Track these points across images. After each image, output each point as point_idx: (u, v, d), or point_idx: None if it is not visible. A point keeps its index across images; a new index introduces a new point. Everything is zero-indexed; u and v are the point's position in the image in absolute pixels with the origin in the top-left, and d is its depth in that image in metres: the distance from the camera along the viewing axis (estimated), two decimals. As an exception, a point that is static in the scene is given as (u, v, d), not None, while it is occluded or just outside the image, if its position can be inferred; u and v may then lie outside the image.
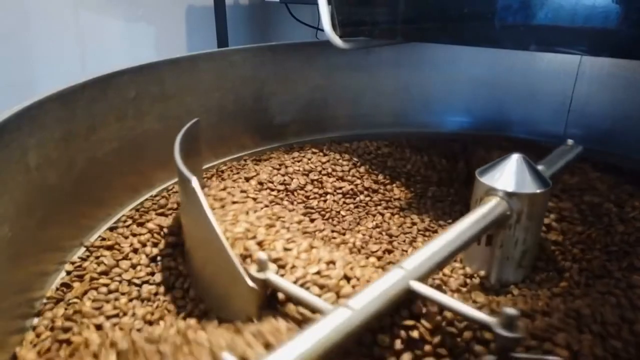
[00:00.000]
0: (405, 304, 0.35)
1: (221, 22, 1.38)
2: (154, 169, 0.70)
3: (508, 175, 0.49)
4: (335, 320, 0.31)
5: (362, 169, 0.77)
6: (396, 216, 0.69)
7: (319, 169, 0.76)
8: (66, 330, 0.42)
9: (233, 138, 0.81)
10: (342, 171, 0.76)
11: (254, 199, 0.61)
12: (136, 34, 1.35)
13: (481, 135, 0.89)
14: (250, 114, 0.82)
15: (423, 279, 0.37)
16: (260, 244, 0.45)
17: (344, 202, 0.71)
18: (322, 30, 0.71)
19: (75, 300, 0.47)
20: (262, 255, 0.37)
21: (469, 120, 0.94)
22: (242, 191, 0.63)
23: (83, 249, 0.55)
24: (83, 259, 0.53)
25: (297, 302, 0.36)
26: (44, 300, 0.47)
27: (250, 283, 0.36)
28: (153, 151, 0.68)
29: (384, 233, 0.65)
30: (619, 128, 0.80)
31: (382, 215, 0.70)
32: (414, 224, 0.67)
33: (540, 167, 0.54)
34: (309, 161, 0.77)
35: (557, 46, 0.55)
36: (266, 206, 0.60)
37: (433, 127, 0.93)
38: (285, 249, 0.44)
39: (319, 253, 0.44)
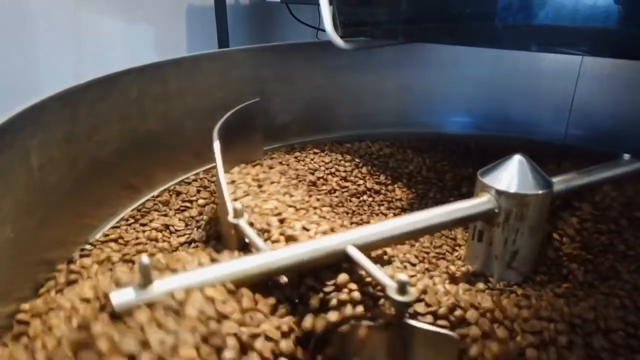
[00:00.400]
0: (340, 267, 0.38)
1: (222, 22, 1.37)
2: (157, 169, 0.70)
3: (509, 176, 0.49)
4: (255, 259, 0.36)
5: (364, 170, 0.78)
6: (398, 217, 0.70)
7: (322, 168, 0.76)
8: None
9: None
10: (345, 171, 0.76)
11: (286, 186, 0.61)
12: (136, 33, 1.35)
13: (483, 136, 0.90)
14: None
15: (364, 248, 0.39)
16: (282, 221, 0.47)
17: (350, 201, 0.72)
18: (323, 30, 0.71)
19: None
20: (237, 204, 0.44)
21: (470, 121, 0.94)
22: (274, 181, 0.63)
23: (87, 246, 0.55)
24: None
25: (254, 246, 0.41)
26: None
27: (231, 220, 0.44)
28: (155, 151, 0.68)
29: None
30: (621, 128, 0.80)
31: (385, 215, 0.70)
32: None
33: (564, 177, 0.54)
34: (312, 161, 0.78)
35: (558, 47, 0.55)
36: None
37: (435, 128, 0.93)
38: (304, 229, 0.44)
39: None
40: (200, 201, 0.67)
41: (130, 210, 0.64)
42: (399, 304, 0.32)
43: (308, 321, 0.35)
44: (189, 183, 0.73)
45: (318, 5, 0.71)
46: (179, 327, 0.28)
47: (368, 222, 0.68)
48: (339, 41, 0.71)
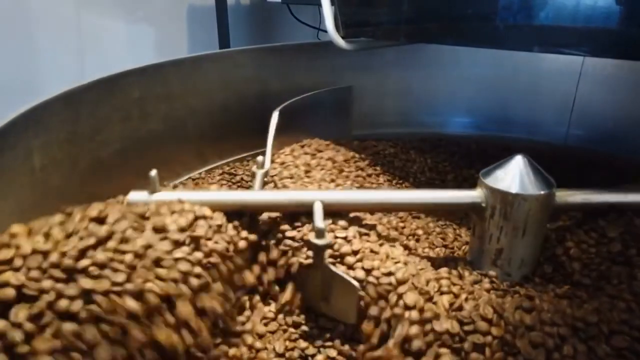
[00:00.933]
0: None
1: (223, 23, 1.38)
2: (159, 170, 0.70)
3: (510, 176, 0.48)
4: (247, 194, 0.48)
5: (368, 170, 0.78)
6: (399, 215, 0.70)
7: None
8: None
9: (237, 138, 0.81)
10: (349, 171, 0.76)
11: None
12: (137, 34, 1.35)
13: (484, 136, 0.90)
14: (254, 115, 0.82)
15: (333, 207, 0.46)
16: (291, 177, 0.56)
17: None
18: (324, 30, 0.71)
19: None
20: (260, 158, 0.55)
21: (472, 121, 0.94)
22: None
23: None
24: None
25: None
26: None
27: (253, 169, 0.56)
28: (157, 152, 0.68)
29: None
30: (622, 129, 0.80)
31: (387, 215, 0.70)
32: (415, 217, 0.68)
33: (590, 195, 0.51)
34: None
35: (560, 47, 0.55)
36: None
37: (436, 128, 0.93)
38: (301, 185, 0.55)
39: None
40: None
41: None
42: (317, 246, 0.40)
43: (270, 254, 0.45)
44: (195, 180, 0.73)
45: (319, 5, 0.71)
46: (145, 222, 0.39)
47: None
48: (340, 41, 0.71)
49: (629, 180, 0.66)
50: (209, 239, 0.39)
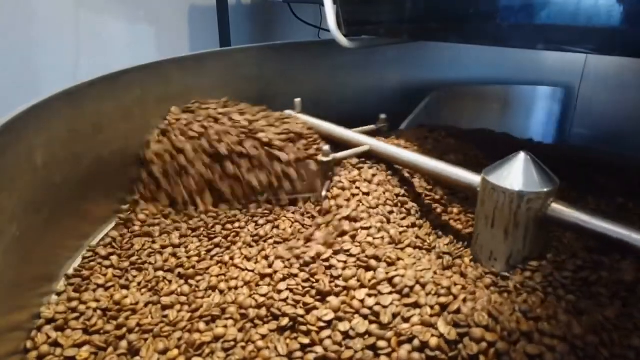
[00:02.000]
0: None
1: (224, 22, 1.37)
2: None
3: (514, 174, 0.48)
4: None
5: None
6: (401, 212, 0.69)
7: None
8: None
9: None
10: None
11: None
12: (138, 34, 1.35)
13: (486, 134, 0.89)
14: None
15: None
16: None
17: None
18: (325, 29, 0.71)
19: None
20: (326, 147, 0.62)
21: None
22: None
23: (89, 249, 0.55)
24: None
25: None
26: (54, 297, 0.47)
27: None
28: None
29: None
30: (624, 128, 0.80)
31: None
32: (413, 212, 0.68)
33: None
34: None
35: (564, 45, 0.54)
36: None
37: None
38: None
39: None
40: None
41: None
42: (324, 162, 0.61)
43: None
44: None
45: (320, 4, 0.71)
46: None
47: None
48: (342, 40, 0.71)
49: (631, 179, 0.66)
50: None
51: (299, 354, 0.39)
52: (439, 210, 0.62)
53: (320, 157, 0.62)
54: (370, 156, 0.64)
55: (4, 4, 1.08)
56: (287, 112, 0.74)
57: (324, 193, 0.60)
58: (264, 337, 0.41)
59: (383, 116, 0.76)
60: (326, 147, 0.62)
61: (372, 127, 0.75)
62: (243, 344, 0.41)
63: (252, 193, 0.62)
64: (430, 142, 0.75)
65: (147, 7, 1.35)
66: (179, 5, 1.42)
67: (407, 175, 0.63)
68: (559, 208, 0.45)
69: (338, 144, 0.66)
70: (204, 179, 0.61)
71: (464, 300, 0.40)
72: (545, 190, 0.45)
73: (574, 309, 0.40)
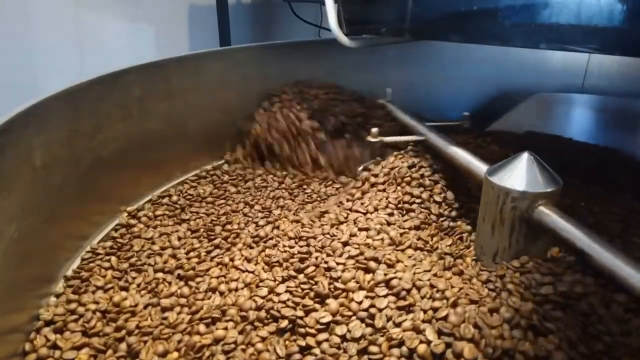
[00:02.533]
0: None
1: (223, 21, 1.37)
2: (160, 168, 0.70)
3: (517, 174, 0.48)
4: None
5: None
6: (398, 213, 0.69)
7: None
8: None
9: (238, 136, 0.81)
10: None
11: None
12: (138, 33, 1.34)
13: (488, 133, 0.89)
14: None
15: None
16: None
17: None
18: (325, 29, 0.71)
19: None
20: (374, 130, 0.64)
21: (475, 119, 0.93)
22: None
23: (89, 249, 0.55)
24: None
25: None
26: (53, 298, 0.47)
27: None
28: (158, 150, 0.68)
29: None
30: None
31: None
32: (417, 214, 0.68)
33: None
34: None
35: (567, 44, 0.54)
36: None
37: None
38: None
39: None
40: (209, 198, 0.67)
41: (131, 209, 0.63)
42: (371, 143, 0.64)
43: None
44: (195, 181, 0.72)
45: (321, 3, 0.70)
46: None
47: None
48: (343, 39, 0.70)
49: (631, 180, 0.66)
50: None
51: (297, 356, 0.39)
52: (448, 212, 0.60)
53: (369, 138, 0.65)
54: (426, 146, 0.65)
55: (3, 4, 1.08)
56: (380, 101, 0.82)
57: (360, 169, 0.65)
58: (263, 339, 0.41)
59: (466, 114, 0.76)
60: (374, 130, 0.65)
61: (452, 122, 0.76)
62: (243, 346, 0.40)
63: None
64: (471, 147, 0.75)
65: (147, 7, 1.34)
66: (178, 5, 1.42)
67: (435, 178, 0.61)
68: (544, 212, 0.44)
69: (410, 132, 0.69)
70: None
71: (454, 305, 0.40)
72: (532, 191, 0.45)
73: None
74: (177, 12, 1.42)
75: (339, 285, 0.44)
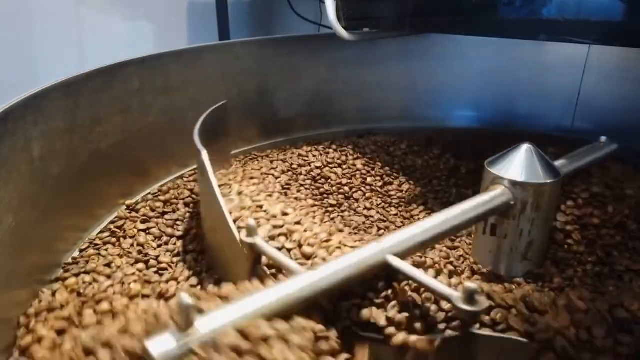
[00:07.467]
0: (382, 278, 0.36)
1: (223, 18, 1.37)
2: (158, 162, 0.69)
3: (516, 165, 0.48)
4: (299, 282, 0.32)
5: (370, 164, 0.77)
6: (400, 208, 0.69)
7: (325, 162, 0.76)
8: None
9: (238, 132, 0.80)
10: (348, 167, 0.76)
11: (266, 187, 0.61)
12: (137, 30, 1.34)
13: (489, 129, 0.89)
14: (254, 108, 0.82)
15: (401, 255, 0.37)
16: (291, 234, 0.44)
17: (352, 195, 0.71)
18: (325, 26, 0.70)
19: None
20: (251, 222, 0.39)
21: (476, 115, 0.93)
22: (253, 177, 0.63)
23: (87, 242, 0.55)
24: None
25: (278, 265, 0.38)
26: (51, 288, 0.47)
27: (245, 240, 0.39)
28: (157, 144, 0.67)
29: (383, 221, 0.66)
30: (628, 121, 0.79)
31: (389, 212, 0.69)
32: (412, 216, 0.68)
33: (560, 162, 0.54)
34: (314, 156, 0.77)
35: (567, 35, 0.54)
36: (280, 193, 0.62)
37: (440, 122, 0.92)
38: (284, 213, 0.46)
39: (314, 225, 0.45)
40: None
41: (130, 203, 0.63)
42: (469, 314, 0.30)
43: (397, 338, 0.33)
44: (192, 176, 0.72)
45: (320, 0, 0.70)
46: None
47: (358, 213, 0.68)
48: (343, 33, 0.70)
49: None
50: None
51: None
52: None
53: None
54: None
55: (4, 1, 1.08)
56: None
57: None
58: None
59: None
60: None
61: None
62: None
63: None
64: None
65: (146, 3, 1.34)
66: (178, 1, 1.42)
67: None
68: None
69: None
70: None
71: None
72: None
73: None
74: (177, 9, 1.42)
75: None
